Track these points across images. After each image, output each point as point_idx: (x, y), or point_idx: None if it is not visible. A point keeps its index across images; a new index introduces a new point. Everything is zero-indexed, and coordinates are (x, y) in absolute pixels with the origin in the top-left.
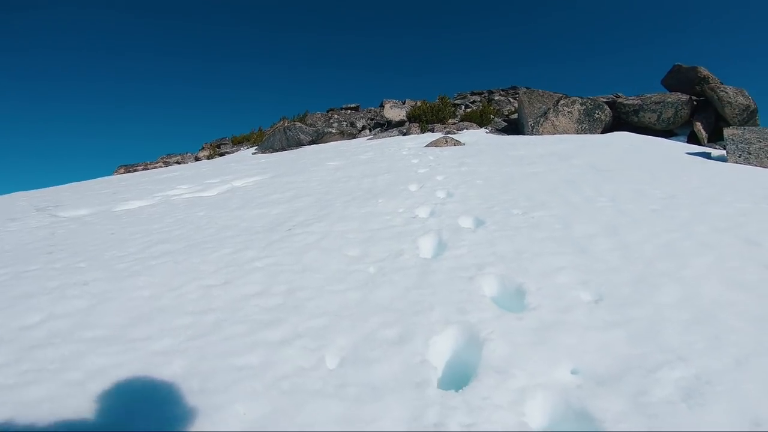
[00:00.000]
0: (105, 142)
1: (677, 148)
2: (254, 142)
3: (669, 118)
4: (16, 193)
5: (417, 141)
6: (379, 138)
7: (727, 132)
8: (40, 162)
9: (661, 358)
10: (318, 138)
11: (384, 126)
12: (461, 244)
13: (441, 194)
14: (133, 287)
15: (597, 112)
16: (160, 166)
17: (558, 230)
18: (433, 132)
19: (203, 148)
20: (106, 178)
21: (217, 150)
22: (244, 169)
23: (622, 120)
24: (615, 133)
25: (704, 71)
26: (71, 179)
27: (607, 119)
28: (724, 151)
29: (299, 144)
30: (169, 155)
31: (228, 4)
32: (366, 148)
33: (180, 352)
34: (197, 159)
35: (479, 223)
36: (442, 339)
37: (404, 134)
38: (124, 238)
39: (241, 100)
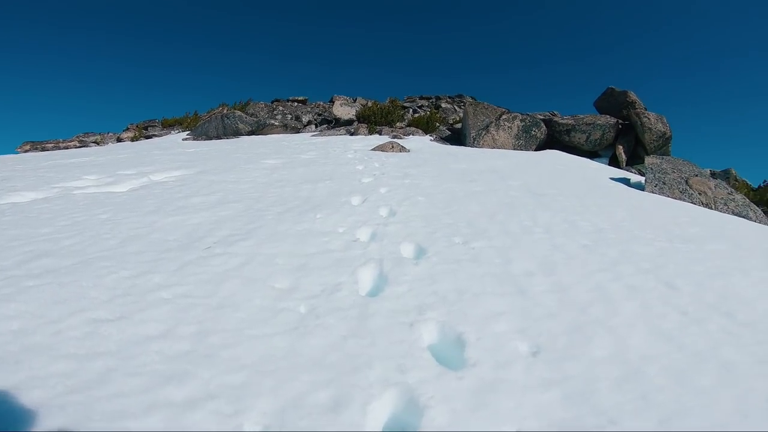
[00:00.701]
0: (12, 113)
1: (601, 171)
2: (187, 127)
3: (596, 139)
4: None
5: (364, 143)
6: (324, 135)
7: (648, 161)
8: None
9: (594, 422)
10: (258, 129)
11: (332, 123)
12: (403, 279)
13: (384, 211)
14: None
15: (534, 129)
16: (75, 146)
17: (498, 265)
18: (380, 135)
19: (128, 128)
20: (2, 156)
21: (143, 132)
22: (168, 159)
23: (555, 138)
24: (547, 151)
25: (633, 96)
26: None
27: (542, 137)
28: (641, 178)
29: (237, 133)
30: (86, 134)
31: None
32: (309, 145)
33: (55, 409)
34: (119, 140)
35: (421, 252)
36: (381, 405)
37: (352, 134)
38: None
39: (177, 83)
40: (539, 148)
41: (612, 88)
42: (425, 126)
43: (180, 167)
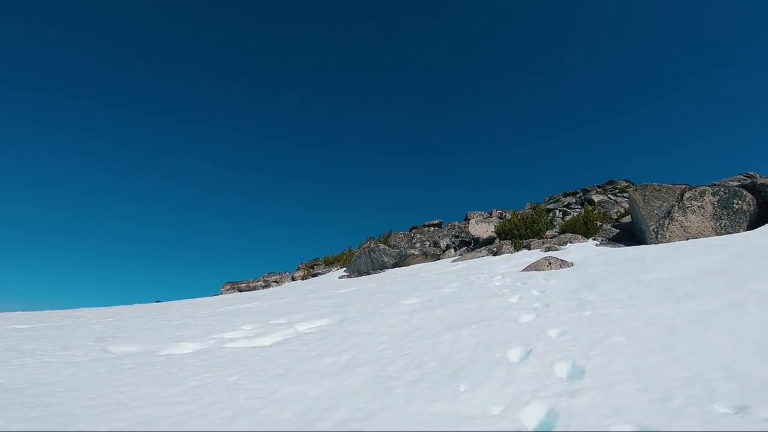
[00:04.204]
0: (211, 257)
1: None
2: (344, 263)
3: None
4: (117, 307)
5: (511, 263)
6: (465, 260)
7: None
8: (150, 276)
9: None
10: (401, 260)
11: (470, 244)
12: None
13: (563, 369)
14: None
15: (736, 201)
16: (260, 285)
17: None
18: (529, 249)
19: (299, 268)
20: (204, 299)
21: (310, 270)
22: (317, 305)
23: None
24: None
25: None
26: (181, 295)
27: (751, 209)
28: None
29: (383, 266)
30: (270, 274)
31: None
32: (450, 275)
33: None
34: (293, 279)
35: None
36: None
37: (494, 254)
38: (121, 403)
39: (332, 220)
40: (752, 225)
41: None
42: (583, 229)
43: (325, 315)
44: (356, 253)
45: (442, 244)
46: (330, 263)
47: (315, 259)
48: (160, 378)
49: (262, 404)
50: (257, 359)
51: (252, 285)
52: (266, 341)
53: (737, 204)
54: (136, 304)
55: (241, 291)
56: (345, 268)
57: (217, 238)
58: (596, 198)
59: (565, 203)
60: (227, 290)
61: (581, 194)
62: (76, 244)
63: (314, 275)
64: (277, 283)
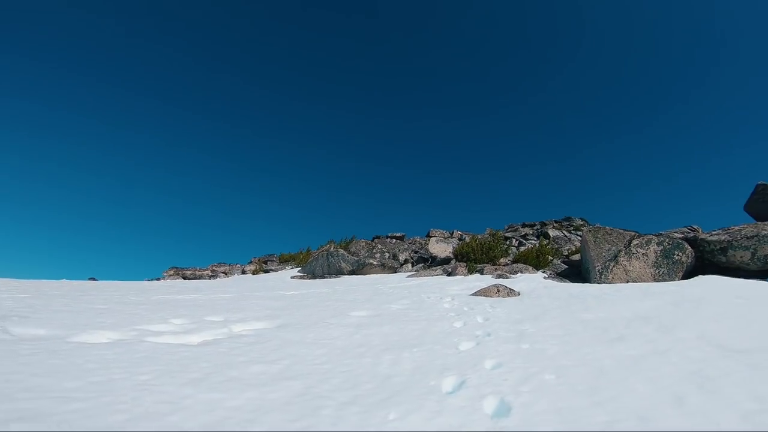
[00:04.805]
0: (165, 240)
1: None
2: (299, 263)
3: (766, 255)
4: (40, 281)
5: (463, 285)
6: (420, 276)
7: None
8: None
9: None
10: (359, 268)
11: (428, 261)
12: None
13: (491, 405)
14: None
15: (677, 252)
16: (208, 274)
17: None
18: (482, 273)
19: (251, 262)
20: (141, 282)
21: (263, 266)
22: (261, 305)
23: (705, 260)
24: (703, 278)
25: None
26: (123, 276)
27: (689, 261)
28: None
29: (339, 272)
30: (219, 264)
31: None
32: (403, 290)
33: None
34: (243, 272)
35: None
36: None
37: (449, 274)
38: (4, 394)
39: (294, 218)
40: (687, 275)
41: (764, 184)
42: (535, 261)
43: (266, 317)
44: (314, 255)
45: (401, 258)
46: (285, 261)
47: (270, 255)
48: (60, 369)
49: (170, 410)
50: (178, 359)
51: (198, 273)
52: (194, 339)
53: (677, 255)
54: (64, 280)
55: (185, 278)
56: (300, 269)
57: (171, 220)
58: (552, 233)
59: (523, 233)
60: (170, 276)
61: (539, 227)
62: (11, 209)
63: (266, 271)
64: (226, 274)
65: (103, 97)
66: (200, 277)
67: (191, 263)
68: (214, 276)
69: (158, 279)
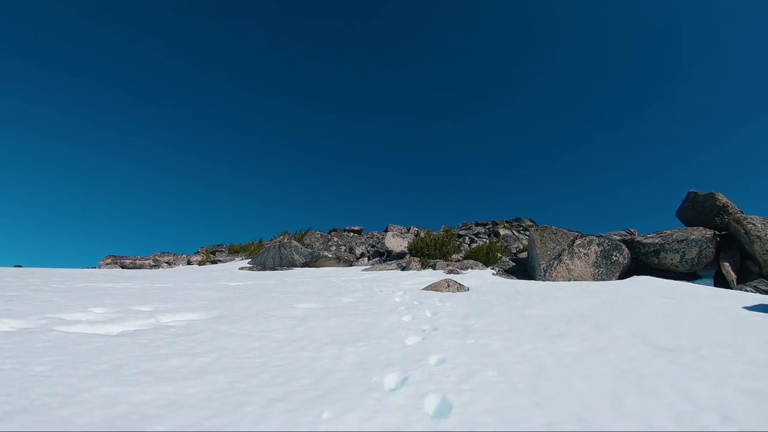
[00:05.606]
0: (99, 228)
1: (721, 298)
2: (250, 254)
3: (693, 258)
4: None
5: (415, 280)
6: (375, 270)
7: None
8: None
9: None
10: (312, 261)
11: (384, 256)
12: None
13: (431, 404)
14: None
15: (615, 254)
16: (150, 264)
17: None
18: (434, 269)
19: (198, 252)
20: (71, 270)
21: (211, 256)
22: (198, 295)
23: (640, 262)
24: (636, 279)
25: (722, 198)
26: (57, 263)
27: (626, 261)
28: None
29: (292, 264)
30: (163, 253)
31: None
32: (356, 283)
33: None
34: (189, 263)
35: None
36: None
37: (403, 269)
38: None
39: (248, 209)
40: (623, 275)
41: (695, 193)
42: (485, 258)
43: (201, 308)
44: (266, 246)
45: (357, 252)
46: (235, 252)
47: (219, 245)
48: None
49: (62, 403)
50: (88, 350)
51: (139, 263)
52: (114, 329)
53: (615, 256)
54: None
55: (124, 267)
56: (250, 260)
57: (113, 208)
58: (502, 231)
59: (476, 231)
60: (107, 264)
61: (491, 226)
62: None
63: (214, 262)
64: (169, 264)
65: (36, 78)
66: (141, 267)
67: (134, 252)
68: (156, 266)
69: (94, 268)
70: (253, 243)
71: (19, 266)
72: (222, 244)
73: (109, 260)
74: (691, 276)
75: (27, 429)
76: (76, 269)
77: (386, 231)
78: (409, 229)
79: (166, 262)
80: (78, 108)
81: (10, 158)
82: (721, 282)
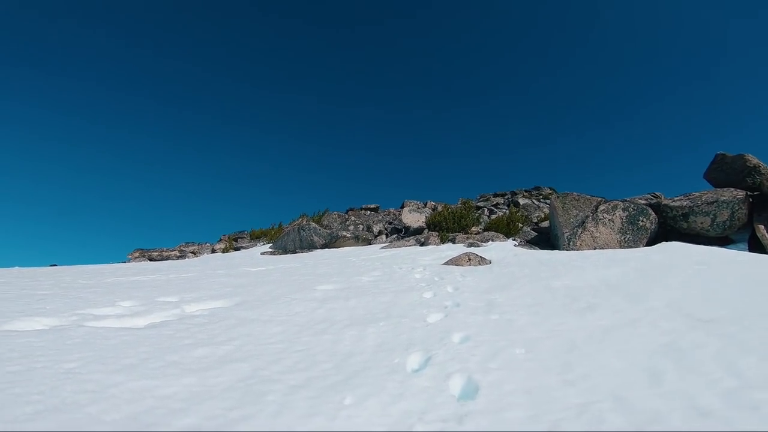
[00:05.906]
0: (128, 224)
1: (760, 264)
2: (271, 238)
3: (725, 221)
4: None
5: (435, 255)
6: (393, 247)
7: None
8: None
9: None
10: (331, 242)
11: (401, 232)
12: None
13: (457, 385)
14: None
15: (641, 218)
16: (176, 254)
17: None
18: (454, 243)
19: (221, 240)
20: (101, 266)
21: (233, 243)
22: (221, 283)
23: (668, 226)
24: (666, 245)
25: (753, 159)
26: (90, 260)
27: (653, 227)
28: None
29: (312, 246)
30: (188, 244)
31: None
32: (375, 262)
33: None
34: (213, 251)
35: None
36: None
37: (422, 244)
38: None
39: (267, 195)
40: (651, 241)
41: (722, 154)
42: (506, 229)
43: (224, 295)
44: (286, 229)
45: (375, 229)
46: (256, 237)
47: (240, 232)
48: None
49: (90, 400)
50: (115, 344)
51: (165, 254)
52: (141, 322)
53: (642, 221)
54: (16, 268)
55: (152, 260)
56: (271, 244)
57: (138, 203)
58: (522, 201)
59: (494, 203)
60: (135, 258)
61: (510, 196)
62: None
63: (236, 249)
64: (195, 254)
65: (55, 83)
66: (167, 258)
67: (160, 245)
68: (182, 256)
69: (124, 262)
70: (273, 227)
71: (54, 265)
72: (243, 231)
73: (137, 254)
74: (723, 241)
75: (58, 428)
76: (105, 264)
77: (402, 207)
78: (425, 204)
79: (192, 252)
80: (114, 113)
81: (46, 166)
82: (756, 246)
